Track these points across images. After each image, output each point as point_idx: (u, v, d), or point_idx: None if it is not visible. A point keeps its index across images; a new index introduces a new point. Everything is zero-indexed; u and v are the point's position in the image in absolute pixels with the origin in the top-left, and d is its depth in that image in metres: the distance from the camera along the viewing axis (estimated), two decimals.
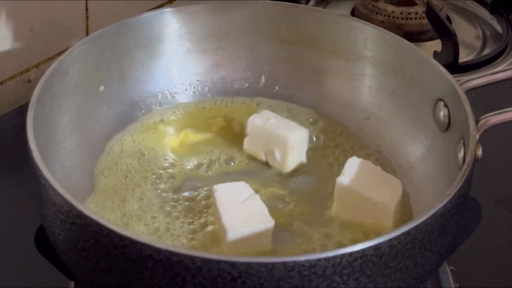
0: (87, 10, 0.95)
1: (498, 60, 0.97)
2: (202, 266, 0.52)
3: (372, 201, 0.65)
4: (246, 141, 0.73)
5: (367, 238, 0.57)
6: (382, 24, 0.97)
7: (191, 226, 0.66)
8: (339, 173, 0.67)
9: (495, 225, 0.75)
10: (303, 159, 0.73)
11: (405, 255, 0.55)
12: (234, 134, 0.76)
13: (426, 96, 0.72)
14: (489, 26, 1.04)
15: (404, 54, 0.74)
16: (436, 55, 0.93)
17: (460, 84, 0.67)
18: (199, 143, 0.75)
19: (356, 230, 0.66)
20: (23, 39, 0.90)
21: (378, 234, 0.56)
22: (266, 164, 0.73)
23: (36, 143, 0.60)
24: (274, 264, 0.51)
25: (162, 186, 0.70)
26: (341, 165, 0.69)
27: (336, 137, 0.76)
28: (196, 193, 0.69)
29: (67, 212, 0.56)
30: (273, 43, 0.80)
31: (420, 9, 0.99)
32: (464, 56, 0.97)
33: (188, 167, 0.72)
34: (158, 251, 0.52)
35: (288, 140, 0.71)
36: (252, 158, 0.73)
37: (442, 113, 0.70)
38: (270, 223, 0.62)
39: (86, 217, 0.55)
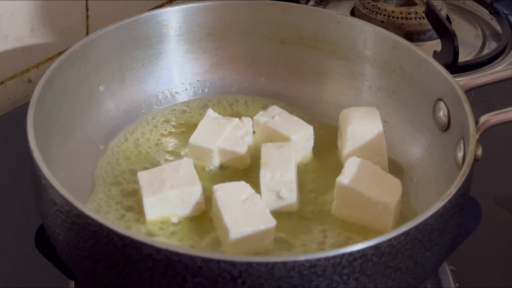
0: (87, 10, 0.95)
1: (497, 60, 0.97)
2: (202, 266, 0.52)
3: (372, 201, 0.65)
4: (252, 138, 0.73)
5: (367, 238, 0.56)
6: (382, 24, 0.97)
7: (191, 226, 0.66)
8: (339, 173, 0.67)
9: (495, 225, 0.75)
10: (308, 155, 0.73)
11: (405, 255, 0.55)
12: None
13: (426, 96, 0.72)
14: (489, 26, 1.04)
15: (404, 54, 0.74)
16: (436, 55, 0.93)
17: (460, 84, 0.68)
18: None
19: (356, 230, 0.66)
20: (23, 39, 0.90)
21: (378, 234, 0.56)
22: None
23: (36, 143, 0.60)
24: (274, 264, 0.51)
25: None
26: (341, 165, 0.69)
27: (336, 137, 0.76)
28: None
29: (67, 211, 0.56)
30: (273, 43, 0.80)
31: (420, 9, 0.99)
32: (464, 56, 0.97)
33: None
34: (158, 250, 0.52)
35: (289, 139, 0.71)
36: (255, 156, 0.73)
37: (442, 113, 0.70)
38: (271, 223, 0.62)
39: (86, 217, 0.55)
